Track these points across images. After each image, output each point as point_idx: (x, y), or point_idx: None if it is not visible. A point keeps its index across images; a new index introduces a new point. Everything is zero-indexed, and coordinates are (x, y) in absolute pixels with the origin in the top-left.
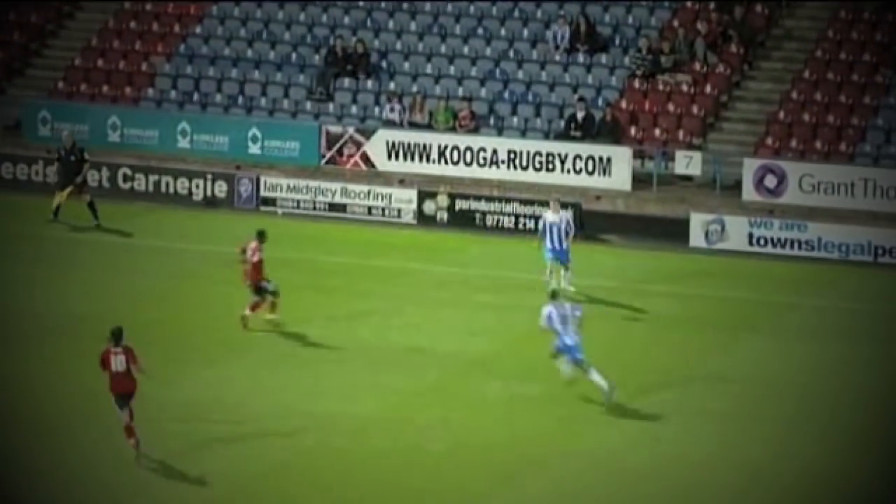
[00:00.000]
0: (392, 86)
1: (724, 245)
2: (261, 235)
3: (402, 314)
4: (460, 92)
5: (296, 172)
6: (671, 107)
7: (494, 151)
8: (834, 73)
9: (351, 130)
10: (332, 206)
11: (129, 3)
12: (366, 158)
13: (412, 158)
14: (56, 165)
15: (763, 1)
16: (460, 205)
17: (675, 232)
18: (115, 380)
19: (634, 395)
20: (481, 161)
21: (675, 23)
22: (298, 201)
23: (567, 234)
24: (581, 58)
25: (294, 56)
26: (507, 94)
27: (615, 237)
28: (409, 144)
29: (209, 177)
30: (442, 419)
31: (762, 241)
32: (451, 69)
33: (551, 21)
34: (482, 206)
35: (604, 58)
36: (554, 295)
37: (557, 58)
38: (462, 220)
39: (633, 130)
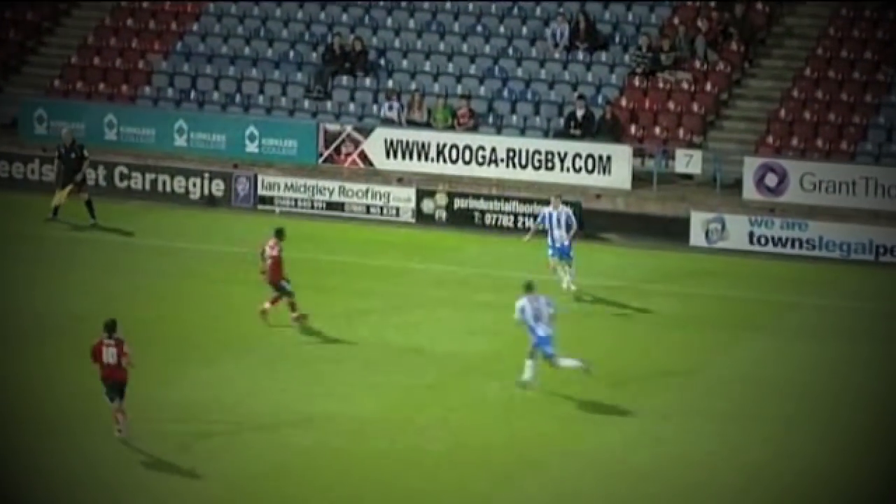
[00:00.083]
0: (390, 84)
1: (725, 244)
2: (279, 233)
3: (400, 313)
4: (459, 90)
5: (293, 171)
6: (671, 105)
7: (493, 150)
8: (835, 71)
9: (349, 129)
10: (330, 205)
11: (125, 1)
12: (364, 157)
13: (411, 157)
14: (56, 163)
15: None
16: (459, 203)
17: (675, 231)
18: (106, 370)
19: (634, 395)
20: (480, 159)
21: (676, 20)
22: (296, 200)
23: (569, 228)
24: (581, 55)
25: (292, 54)
26: (506, 93)
27: (615, 236)
28: (407, 143)
29: (206, 175)
30: (441, 419)
31: (763, 240)
32: (450, 67)
33: (550, 18)
34: (481, 204)
35: (603, 55)
36: (529, 287)
37: (557, 55)
38: (461, 219)
39: (633, 129)
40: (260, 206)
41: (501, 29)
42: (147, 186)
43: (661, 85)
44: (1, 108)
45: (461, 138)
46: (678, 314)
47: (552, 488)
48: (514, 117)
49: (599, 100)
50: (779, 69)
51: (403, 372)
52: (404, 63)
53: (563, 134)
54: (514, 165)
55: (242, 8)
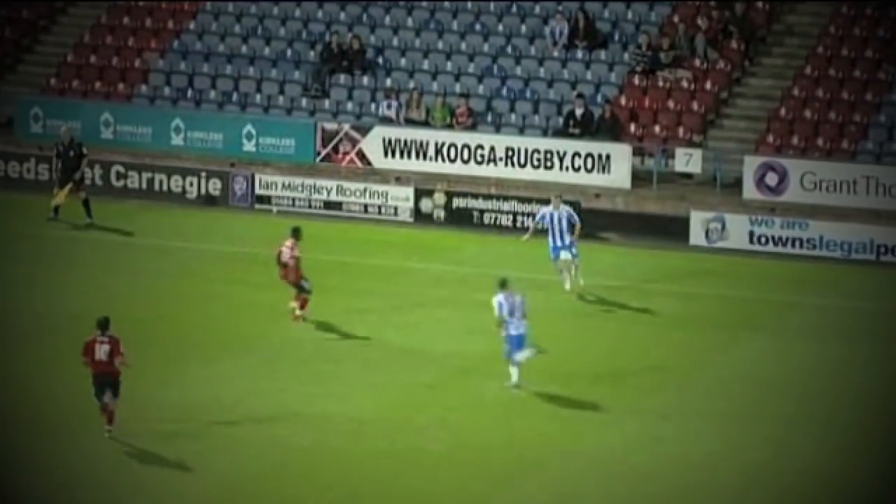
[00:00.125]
0: (388, 82)
1: (725, 243)
2: (296, 233)
3: (399, 313)
4: (457, 88)
5: (291, 170)
6: (671, 103)
7: (492, 149)
8: (836, 70)
9: (347, 127)
10: (328, 205)
11: (121, 0)
12: (362, 156)
13: (409, 156)
14: (54, 161)
15: None
16: (458, 203)
17: (675, 230)
18: (97, 367)
19: (634, 395)
20: (479, 158)
21: (675, 18)
22: (294, 199)
23: (571, 227)
24: (580, 54)
25: (289, 52)
26: (504, 91)
27: (614, 235)
28: (405, 141)
29: (203, 175)
30: (440, 419)
31: (763, 240)
32: (449, 65)
33: (549, 17)
34: (480, 203)
35: (603, 54)
36: (503, 283)
37: (556, 54)
38: (459, 219)
39: (632, 127)
40: (257, 206)
41: (500, 27)
42: (144, 185)
43: (660, 83)
44: None
45: (460, 137)
46: (678, 314)
47: (552, 488)
48: (513, 116)
49: (599, 98)
50: (779, 67)
51: (403, 372)
52: (402, 61)
53: (562, 133)
54: (512, 164)
55: (239, 6)
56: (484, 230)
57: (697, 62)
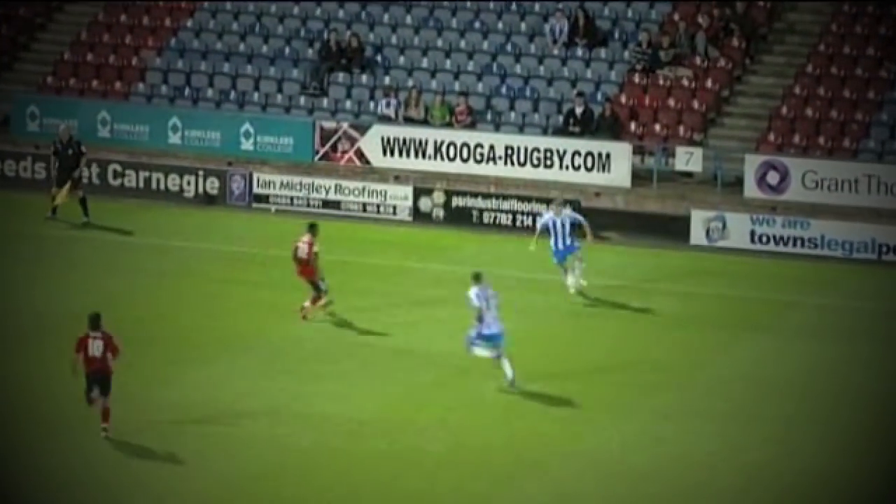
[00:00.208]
0: (387, 80)
1: (726, 243)
2: (312, 228)
3: (398, 313)
4: (457, 87)
5: (289, 169)
6: (672, 102)
7: (491, 147)
8: (837, 68)
9: (345, 126)
10: (327, 203)
11: None
12: (360, 154)
13: (408, 154)
14: (51, 160)
15: None
16: (457, 202)
17: (675, 229)
18: (90, 363)
19: (634, 395)
20: (478, 157)
21: (676, 16)
22: (292, 198)
23: (574, 227)
24: (580, 52)
25: (287, 50)
26: (504, 89)
27: (615, 234)
28: (404, 140)
29: (201, 173)
30: (440, 419)
31: (764, 239)
32: (448, 63)
33: (549, 15)
34: (479, 202)
35: (603, 52)
36: (477, 277)
37: (556, 52)
38: (458, 218)
39: (632, 126)
40: (255, 205)
41: (500, 25)
42: (141, 184)
43: (661, 82)
44: None
45: (459, 136)
46: (678, 313)
47: (552, 489)
48: (513, 114)
49: (599, 97)
50: (780, 66)
51: (402, 372)
52: (401, 60)
53: (562, 131)
54: (512, 163)
55: (237, 4)
56: (483, 229)
57: (698, 60)
